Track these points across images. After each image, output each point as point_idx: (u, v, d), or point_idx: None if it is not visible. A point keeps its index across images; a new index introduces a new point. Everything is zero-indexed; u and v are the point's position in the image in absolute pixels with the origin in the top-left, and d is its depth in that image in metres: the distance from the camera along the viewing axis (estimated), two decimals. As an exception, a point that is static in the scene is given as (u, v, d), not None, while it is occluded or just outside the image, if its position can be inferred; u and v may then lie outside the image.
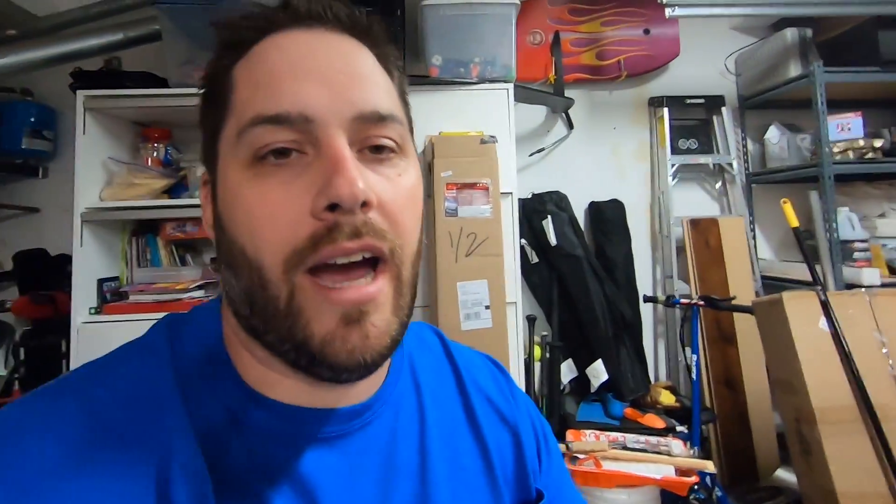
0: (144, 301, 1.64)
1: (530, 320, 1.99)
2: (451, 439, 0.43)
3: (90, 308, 1.63)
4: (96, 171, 1.67)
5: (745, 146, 2.36)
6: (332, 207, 0.31)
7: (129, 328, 1.57)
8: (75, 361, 1.54)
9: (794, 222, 1.65)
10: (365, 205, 0.32)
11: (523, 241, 2.04)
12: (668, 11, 1.87)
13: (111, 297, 1.70)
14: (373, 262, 0.33)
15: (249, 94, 0.34)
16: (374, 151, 0.34)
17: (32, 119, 1.89)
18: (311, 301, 0.32)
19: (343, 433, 0.37)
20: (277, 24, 0.35)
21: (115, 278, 1.77)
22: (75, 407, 0.33)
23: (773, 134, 2.27)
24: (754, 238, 2.33)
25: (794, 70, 2.09)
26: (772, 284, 2.19)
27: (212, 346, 0.38)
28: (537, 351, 2.00)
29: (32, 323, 1.64)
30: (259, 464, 0.34)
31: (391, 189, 0.34)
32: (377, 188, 0.33)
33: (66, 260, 1.91)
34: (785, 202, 1.68)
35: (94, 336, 1.56)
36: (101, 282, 1.68)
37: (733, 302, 1.80)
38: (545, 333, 2.04)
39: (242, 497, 0.33)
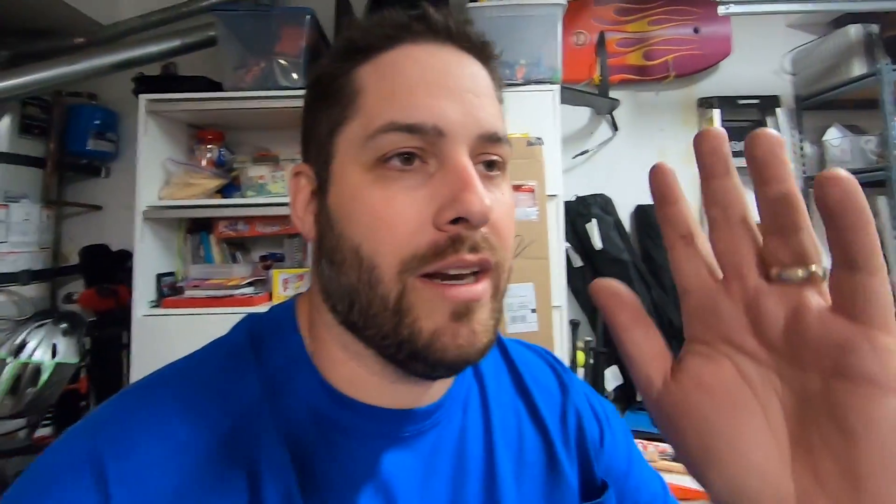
0: (198, 296, 1.70)
1: (573, 325, 1.95)
2: (514, 435, 0.44)
3: (149, 301, 1.70)
4: (156, 171, 1.74)
5: (801, 148, 2.25)
6: (456, 220, 0.32)
7: (185, 322, 1.64)
8: (135, 352, 1.61)
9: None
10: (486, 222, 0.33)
11: (567, 244, 2.01)
12: (720, 9, 1.81)
13: (168, 291, 1.77)
14: (477, 273, 0.35)
15: (383, 101, 0.35)
16: (486, 168, 0.36)
17: (97, 122, 2.00)
18: (423, 299, 0.33)
19: (418, 433, 0.39)
20: (412, 34, 0.37)
21: (172, 273, 1.84)
22: (173, 405, 0.35)
23: (834, 135, 2.15)
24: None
25: (858, 69, 1.98)
26: (832, 295, 2.07)
27: (292, 345, 0.39)
28: (580, 356, 1.95)
29: (96, 314, 1.73)
30: (341, 462, 0.36)
31: (501, 207, 0.36)
32: (493, 205, 0.34)
33: (126, 255, 2.01)
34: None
35: (152, 328, 1.63)
36: (159, 277, 1.76)
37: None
38: (589, 339, 2.00)
39: (326, 494, 0.35)
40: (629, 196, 2.22)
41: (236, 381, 0.37)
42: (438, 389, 0.41)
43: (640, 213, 2.20)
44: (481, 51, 0.38)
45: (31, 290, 1.87)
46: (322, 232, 0.38)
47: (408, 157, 0.34)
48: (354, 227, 0.34)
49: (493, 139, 0.36)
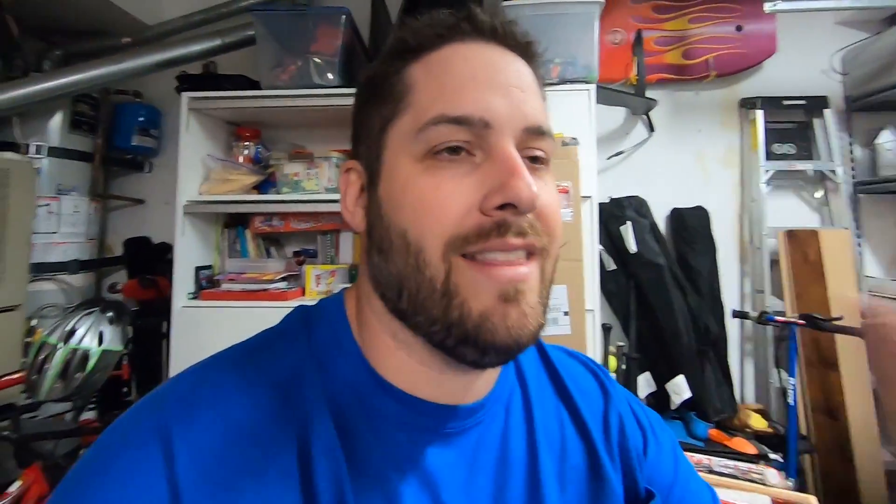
0: (234, 289, 1.75)
1: (605, 329, 1.91)
2: (557, 438, 0.44)
3: (188, 293, 1.75)
4: (196, 166, 1.80)
5: (851, 152, 2.15)
6: (503, 206, 0.33)
7: (221, 314, 1.69)
8: (174, 341, 1.67)
9: (919, 235, 1.47)
10: (532, 208, 0.34)
11: (600, 247, 1.97)
12: (766, 6, 1.75)
13: (206, 284, 1.82)
14: (524, 257, 0.35)
15: (433, 95, 0.36)
16: (531, 161, 0.37)
17: (141, 118, 2.09)
18: (469, 279, 0.34)
19: (461, 430, 0.39)
20: (460, 34, 0.38)
21: (210, 267, 1.90)
22: (231, 384, 0.36)
23: (888, 138, 2.04)
24: (861, 253, 2.11)
25: (917, 67, 1.88)
26: (882, 305, 1.96)
27: (341, 334, 0.40)
28: (612, 361, 1.91)
29: (139, 304, 1.80)
30: (386, 450, 0.36)
31: (547, 196, 0.37)
32: (541, 195, 0.35)
33: (166, 248, 2.08)
34: (907, 212, 1.50)
35: (191, 319, 1.68)
36: (197, 269, 1.81)
37: (840, 322, 1.62)
38: (621, 344, 1.95)
39: (372, 480, 0.35)
40: (665, 199, 2.16)
41: (287, 360, 0.38)
42: (482, 388, 0.41)
43: (676, 216, 2.14)
44: (525, 49, 0.40)
45: (78, 280, 1.96)
46: (371, 223, 0.39)
47: (455, 149, 0.35)
48: (403, 214, 0.35)
49: (538, 132, 0.37)
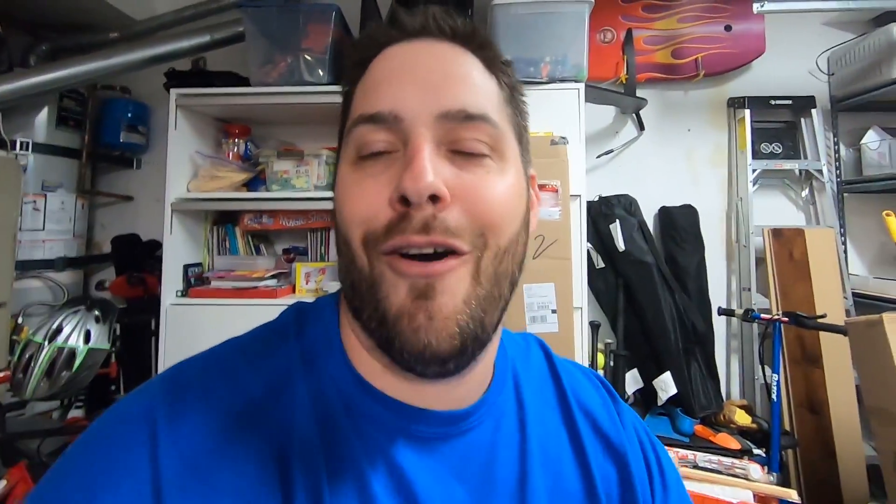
0: (224, 287, 1.74)
1: (594, 327, 1.93)
2: (553, 461, 0.42)
3: (177, 291, 1.74)
4: (184, 163, 1.79)
5: (837, 151, 2.18)
6: (404, 200, 0.33)
7: (211, 311, 1.68)
8: (164, 339, 1.66)
9: (900, 235, 1.50)
10: (438, 200, 0.32)
11: (588, 245, 1.98)
12: (755, 6, 1.77)
13: (195, 281, 1.81)
14: (445, 256, 0.34)
15: (359, 100, 0.38)
16: (464, 155, 0.35)
17: (129, 115, 2.07)
18: (386, 273, 0.34)
19: (442, 436, 0.38)
20: (390, 39, 0.38)
21: (199, 264, 1.89)
22: (220, 374, 0.37)
23: (873, 139, 2.07)
24: (845, 252, 2.14)
25: (900, 69, 1.90)
26: (865, 303, 2.00)
27: (330, 333, 0.41)
28: (600, 359, 1.93)
29: (126, 302, 1.79)
30: (366, 452, 0.36)
31: (478, 187, 0.35)
32: (460, 185, 0.34)
33: (155, 245, 2.06)
34: (889, 214, 1.53)
35: (180, 316, 1.68)
36: (186, 267, 1.80)
37: (823, 320, 1.65)
38: (609, 341, 1.97)
39: (351, 481, 0.35)
40: (654, 197, 2.18)
41: (275, 353, 0.39)
42: (465, 393, 0.40)
43: (665, 214, 2.16)
44: (462, 37, 0.38)
45: (65, 277, 1.94)
46: (335, 226, 0.40)
47: (379, 153, 0.35)
48: (340, 213, 0.37)
49: (460, 117, 0.35)
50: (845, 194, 2.17)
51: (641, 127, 2.18)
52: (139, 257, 2.04)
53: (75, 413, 1.80)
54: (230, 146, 1.89)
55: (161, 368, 1.65)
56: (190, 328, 1.68)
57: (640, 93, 2.07)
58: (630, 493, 0.43)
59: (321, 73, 1.68)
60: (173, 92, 1.69)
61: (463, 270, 0.34)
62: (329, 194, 1.77)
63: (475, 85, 0.37)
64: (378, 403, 0.37)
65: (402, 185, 0.32)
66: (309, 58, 1.68)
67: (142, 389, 0.37)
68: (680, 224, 2.12)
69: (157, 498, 0.31)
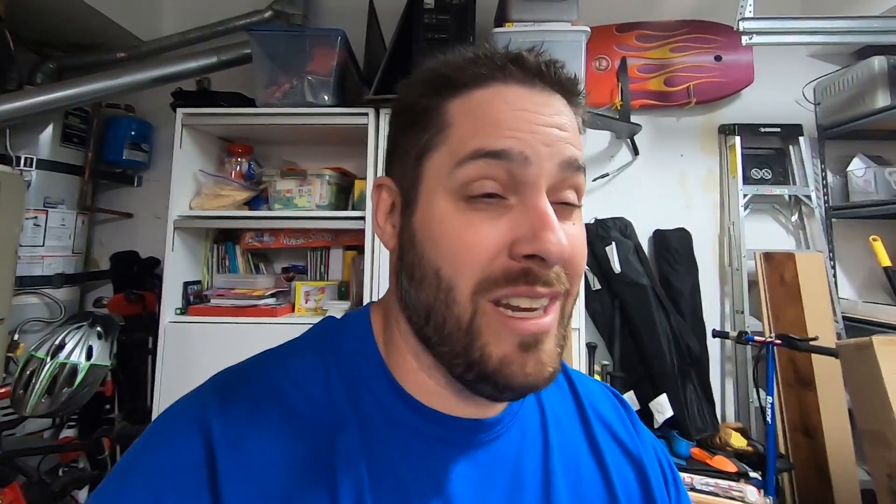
0: (223, 305, 1.74)
1: (590, 348, 1.95)
2: (573, 465, 0.44)
3: (176, 308, 1.74)
4: (187, 182, 1.81)
5: (824, 178, 2.24)
6: (532, 256, 0.34)
7: (210, 329, 1.68)
8: (162, 357, 1.66)
9: (886, 261, 1.55)
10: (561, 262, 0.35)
11: (585, 267, 2.01)
12: (744, 39, 1.83)
13: (194, 299, 1.81)
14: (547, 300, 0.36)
15: (470, 131, 0.37)
16: (562, 206, 0.38)
17: (133, 132, 2.09)
18: (492, 325, 0.35)
19: (476, 442, 0.41)
20: (502, 75, 0.38)
21: (198, 282, 1.89)
22: (264, 386, 0.39)
23: (858, 166, 2.14)
24: (835, 276, 2.19)
25: (882, 100, 1.98)
26: (854, 326, 2.04)
27: (367, 348, 0.42)
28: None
29: (124, 319, 1.78)
30: (405, 459, 0.38)
31: (574, 241, 0.37)
32: (567, 241, 0.36)
33: (154, 262, 2.07)
34: (875, 239, 1.58)
35: (179, 334, 1.67)
36: (186, 285, 1.80)
37: (815, 343, 1.68)
38: (606, 363, 1.99)
39: (392, 487, 0.37)
40: (648, 220, 2.22)
41: (316, 368, 0.41)
42: (498, 405, 0.42)
43: (659, 237, 2.20)
44: (568, 88, 0.40)
45: (62, 294, 1.93)
46: (403, 247, 0.40)
47: (490, 195, 0.36)
48: (437, 250, 0.36)
49: (574, 167, 0.37)
50: (833, 219, 2.23)
51: (636, 152, 2.24)
52: (138, 274, 2.04)
53: (67, 433, 1.77)
54: (233, 165, 1.92)
55: (158, 387, 1.64)
56: (188, 346, 1.68)
57: (634, 119, 2.13)
58: (649, 497, 0.45)
59: (325, 96, 1.72)
60: (180, 111, 1.72)
61: (555, 321, 0.37)
62: (333, 214, 1.81)
63: (579, 140, 0.39)
64: (417, 414, 0.40)
65: (544, 247, 0.34)
66: (313, 80, 1.72)
67: (191, 396, 0.39)
68: (674, 247, 2.16)
69: (213, 479, 0.33)
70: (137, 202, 2.22)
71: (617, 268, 1.99)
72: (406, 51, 1.68)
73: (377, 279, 1.69)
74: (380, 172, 1.72)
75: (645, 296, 1.97)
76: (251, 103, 1.77)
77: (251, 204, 1.89)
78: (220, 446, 0.34)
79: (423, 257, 0.37)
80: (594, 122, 2.06)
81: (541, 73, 0.38)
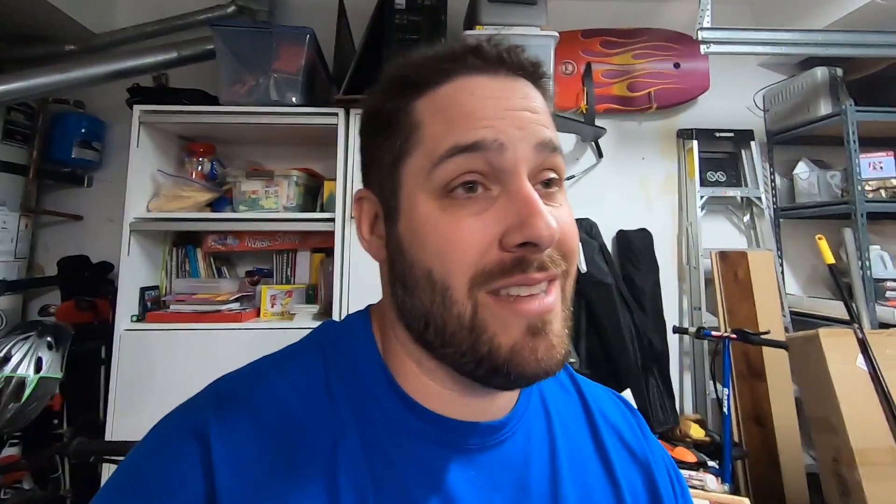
0: (184, 311, 1.67)
1: (558, 346, 1.99)
2: (580, 470, 0.44)
3: (132, 316, 1.66)
4: (145, 182, 1.72)
5: (773, 181, 2.38)
6: (523, 244, 0.34)
7: (170, 337, 1.61)
8: (117, 367, 1.57)
9: (830, 259, 1.65)
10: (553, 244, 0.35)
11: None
12: (702, 48, 1.91)
13: (151, 305, 1.73)
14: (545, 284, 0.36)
15: (442, 130, 0.36)
16: (544, 186, 0.38)
17: (83, 130, 1.97)
18: (496, 316, 0.35)
19: (481, 447, 0.40)
20: (465, 67, 0.38)
21: (156, 287, 1.80)
22: (266, 393, 0.38)
23: (803, 170, 2.28)
24: (782, 273, 2.33)
25: (825, 108, 2.12)
26: (800, 320, 2.17)
27: (367, 351, 0.42)
28: (565, 377, 1.98)
29: (74, 328, 1.67)
30: (408, 463, 0.37)
31: (563, 220, 0.37)
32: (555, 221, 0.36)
33: (107, 267, 1.96)
34: (820, 238, 1.68)
35: (136, 342, 1.59)
36: (142, 290, 1.72)
37: (768, 336, 1.78)
38: (572, 360, 2.03)
39: (394, 492, 0.36)
40: (612, 221, 2.29)
41: (317, 372, 0.40)
42: (502, 406, 0.42)
43: (622, 238, 2.27)
44: (533, 73, 0.40)
45: (3, 302, 1.80)
46: (393, 257, 0.40)
47: (471, 186, 0.35)
48: (425, 253, 0.36)
49: (550, 147, 0.37)
50: (781, 220, 2.37)
51: (600, 154, 2.30)
52: (89, 280, 1.93)
53: (10, 451, 1.65)
54: (194, 165, 1.84)
55: (113, 399, 1.56)
56: (146, 355, 1.60)
57: (598, 122, 2.18)
58: (657, 501, 0.45)
59: (293, 95, 1.68)
60: (137, 108, 1.63)
61: (559, 302, 0.37)
62: (301, 215, 1.77)
63: (549, 121, 0.39)
64: (421, 419, 0.39)
65: (535, 233, 0.33)
66: (280, 79, 1.67)
67: (186, 403, 0.38)
68: (636, 247, 2.24)
69: (211, 501, 0.32)
70: (87, 204, 2.09)
71: (583, 268, 2.04)
72: (377, 51, 1.66)
73: (347, 282, 1.67)
74: (350, 173, 1.70)
75: (610, 295, 2.03)
76: (214, 101, 1.70)
77: (214, 206, 1.82)
78: (219, 459, 0.33)
79: (414, 263, 0.37)
80: (561, 125, 2.10)
81: (502, 60, 0.38)
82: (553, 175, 0.38)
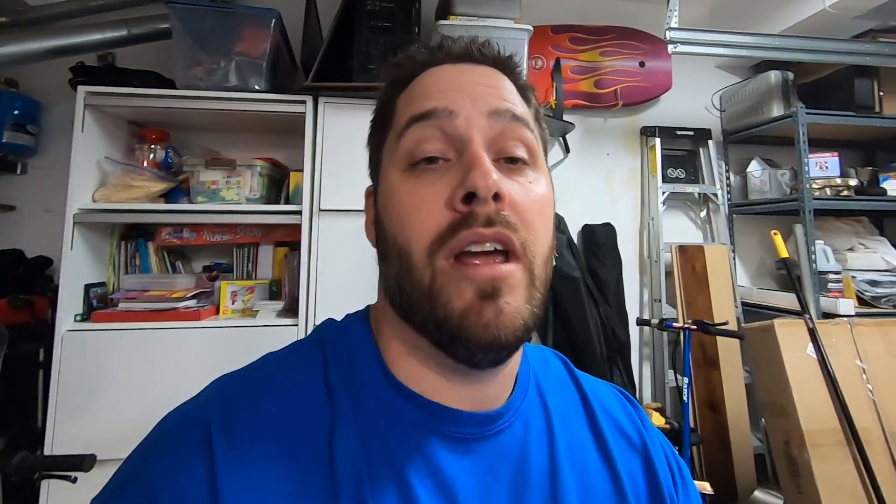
0: (135, 309, 1.56)
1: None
2: (579, 460, 0.44)
3: (76, 315, 1.53)
4: (90, 170, 1.58)
5: (728, 178, 2.49)
6: (469, 199, 0.35)
7: (120, 337, 1.50)
8: (58, 371, 1.44)
9: (785, 253, 1.75)
10: (498, 198, 0.35)
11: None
12: (670, 47, 1.96)
13: (98, 304, 1.60)
14: (505, 256, 0.36)
15: (405, 108, 0.40)
16: (508, 162, 0.39)
17: (16, 112, 1.78)
18: (451, 280, 0.35)
19: (479, 437, 0.40)
20: (435, 61, 0.42)
21: (102, 284, 1.67)
22: (267, 387, 0.39)
23: (755, 168, 2.40)
24: (735, 266, 2.45)
25: (777, 110, 2.23)
26: (750, 311, 2.30)
27: (365, 344, 0.42)
28: (535, 370, 2.01)
29: (8, 329, 1.52)
30: (406, 453, 0.37)
31: (522, 192, 0.38)
32: (510, 189, 0.37)
33: (45, 262, 1.79)
34: (776, 234, 1.77)
35: (80, 344, 1.47)
36: (87, 287, 1.58)
37: (724, 327, 1.87)
38: (542, 353, 2.06)
39: (392, 481, 0.36)
40: (578, 216, 2.33)
41: (311, 364, 0.41)
42: (496, 395, 0.42)
43: (588, 232, 2.32)
44: (501, 64, 0.43)
45: (-77, 301, 1.61)
46: (377, 234, 0.42)
47: (432, 159, 0.38)
48: (391, 222, 0.38)
49: (508, 116, 0.38)
50: (735, 215, 2.49)
51: (567, 150, 2.32)
52: (24, 277, 1.75)
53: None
54: (145, 153, 1.71)
55: (53, 405, 1.43)
56: (92, 356, 1.47)
57: (566, 118, 2.20)
58: (657, 491, 0.45)
59: (257, 80, 1.58)
60: (81, 90, 1.48)
61: (521, 275, 0.36)
62: (266, 208, 1.68)
63: (515, 99, 0.41)
64: (418, 407, 0.39)
65: (471, 182, 0.34)
66: (243, 63, 1.57)
67: (191, 400, 0.40)
68: (601, 241, 2.28)
69: (213, 493, 0.33)
70: (21, 193, 1.89)
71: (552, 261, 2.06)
72: (347, 38, 1.59)
73: (314, 277, 1.60)
74: (318, 164, 1.63)
75: (577, 288, 2.07)
76: (169, 84, 1.58)
77: (168, 196, 1.70)
78: (221, 451, 0.34)
79: (384, 232, 0.39)
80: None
81: (468, 53, 0.42)
82: (519, 151, 0.39)
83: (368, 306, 0.47)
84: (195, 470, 0.33)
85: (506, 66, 0.43)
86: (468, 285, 0.34)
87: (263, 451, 0.35)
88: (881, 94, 2.18)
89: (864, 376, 1.65)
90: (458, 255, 0.35)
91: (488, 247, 0.35)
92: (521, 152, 0.39)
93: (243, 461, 0.34)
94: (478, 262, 0.35)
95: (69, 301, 1.52)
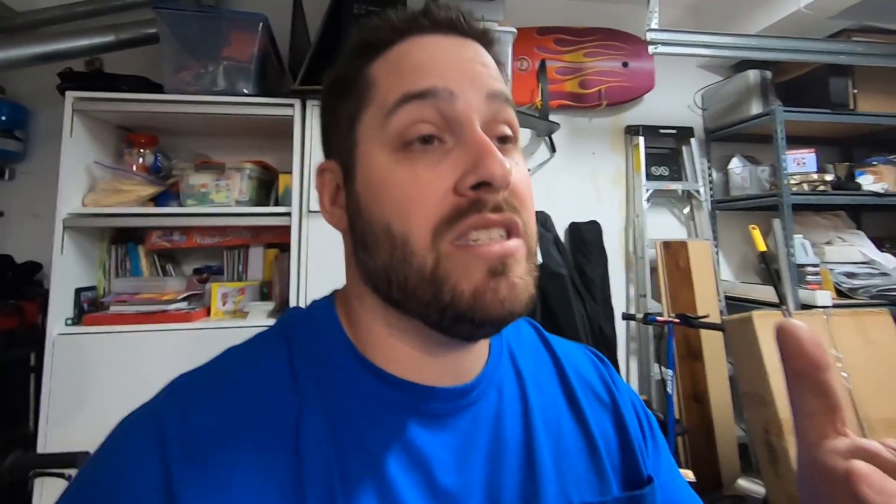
0: (126, 312, 1.57)
1: (516, 336, 2.04)
2: (553, 422, 0.45)
3: (67, 319, 1.53)
4: (79, 175, 1.59)
5: (710, 175, 2.55)
6: (477, 186, 0.35)
7: (111, 340, 1.51)
8: (49, 375, 1.45)
9: (763, 247, 1.80)
10: (508, 184, 0.36)
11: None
12: (650, 48, 2.01)
13: (88, 307, 1.61)
14: (507, 233, 0.37)
15: (394, 82, 0.37)
16: (499, 141, 0.38)
17: (3, 118, 1.78)
18: (458, 263, 0.35)
19: (453, 411, 0.40)
20: (418, 28, 0.39)
21: (93, 288, 1.68)
22: (227, 380, 0.38)
23: (736, 165, 2.46)
24: (718, 261, 2.50)
25: (756, 108, 2.29)
26: (733, 304, 2.35)
27: (331, 327, 0.42)
28: (523, 366, 2.04)
29: (-2, 335, 1.53)
30: (378, 433, 0.37)
31: (518, 174, 0.38)
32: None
33: (34, 267, 1.80)
34: (754, 228, 1.83)
35: (71, 347, 1.47)
36: (78, 291, 1.59)
37: (706, 320, 1.92)
38: (530, 349, 2.10)
39: (365, 463, 0.36)
40: (565, 214, 2.37)
41: (275, 351, 0.40)
42: (471, 367, 0.42)
43: (574, 230, 2.36)
44: (483, 36, 0.42)
45: (-89, 308, 1.61)
46: (353, 219, 0.40)
47: (427, 139, 0.36)
48: (382, 207, 0.37)
49: (502, 98, 0.38)
50: (717, 211, 2.54)
51: (553, 149, 2.36)
52: (13, 282, 1.76)
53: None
54: (134, 157, 1.72)
55: (45, 409, 1.44)
56: (84, 360, 1.48)
57: (552, 118, 2.24)
58: (628, 448, 0.46)
59: (245, 84, 1.60)
60: (70, 95, 1.49)
61: (523, 251, 0.37)
62: (256, 210, 1.70)
63: (502, 78, 0.40)
64: (390, 386, 0.39)
65: (487, 172, 0.34)
66: (230, 67, 1.59)
67: (147, 401, 0.38)
68: (587, 238, 2.33)
69: (169, 494, 0.31)
70: (9, 199, 1.89)
71: (539, 259, 2.09)
72: (335, 41, 1.61)
73: (304, 278, 1.62)
74: (307, 166, 1.65)
75: (564, 285, 2.11)
76: (158, 89, 1.59)
77: (157, 200, 1.71)
78: (176, 459, 0.33)
79: (371, 219, 0.37)
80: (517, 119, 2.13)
81: (453, 24, 0.40)
82: (508, 131, 0.39)
83: (335, 291, 0.46)
84: (150, 474, 0.32)
85: (489, 41, 0.42)
86: (479, 266, 0.34)
87: (223, 449, 0.34)
88: (855, 91, 2.25)
89: (840, 365, 1.70)
90: (458, 237, 0.35)
91: (494, 233, 0.35)
92: (508, 132, 0.39)
93: (202, 461, 0.33)
94: (483, 242, 0.35)
95: (60, 305, 1.52)
